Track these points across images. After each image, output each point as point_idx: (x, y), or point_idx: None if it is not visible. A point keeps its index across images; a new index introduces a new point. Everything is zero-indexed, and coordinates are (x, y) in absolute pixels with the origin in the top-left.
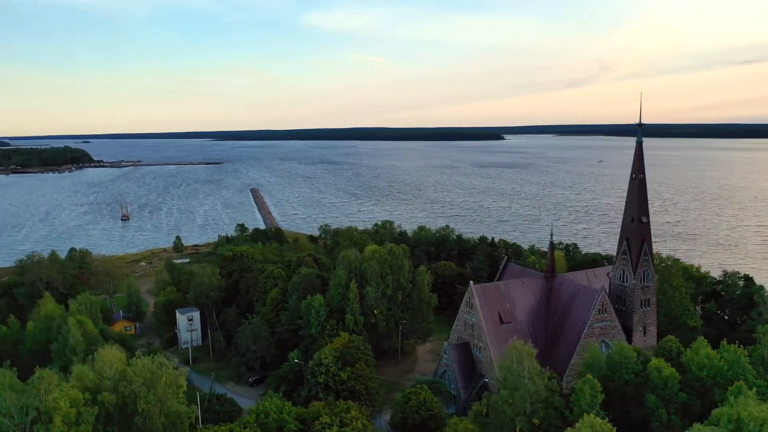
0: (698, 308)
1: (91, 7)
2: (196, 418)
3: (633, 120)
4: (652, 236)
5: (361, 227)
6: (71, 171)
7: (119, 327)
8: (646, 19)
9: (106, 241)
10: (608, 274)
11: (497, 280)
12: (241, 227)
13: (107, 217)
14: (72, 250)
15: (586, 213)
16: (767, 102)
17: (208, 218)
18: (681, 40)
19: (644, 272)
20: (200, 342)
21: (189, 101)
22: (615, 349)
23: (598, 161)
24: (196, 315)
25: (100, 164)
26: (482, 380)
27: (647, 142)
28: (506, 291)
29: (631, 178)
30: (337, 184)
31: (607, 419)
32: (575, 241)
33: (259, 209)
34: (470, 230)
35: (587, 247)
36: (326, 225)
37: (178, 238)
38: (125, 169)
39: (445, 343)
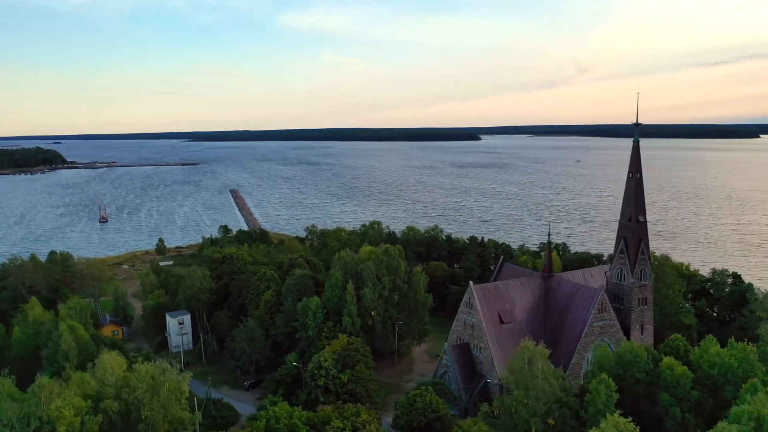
0: (690, 306)
1: (60, 6)
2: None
3: (608, 121)
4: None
5: (345, 228)
6: (44, 172)
7: (107, 331)
8: (620, 21)
9: (86, 244)
10: (606, 273)
11: (493, 280)
12: (225, 229)
13: (85, 219)
14: (52, 253)
15: (566, 212)
16: (735, 103)
17: (188, 220)
18: (654, 42)
19: (642, 271)
20: (191, 346)
21: (162, 101)
22: (624, 348)
23: (575, 161)
24: (186, 318)
25: (73, 165)
26: (483, 381)
27: (621, 142)
28: (505, 291)
29: (629, 178)
30: (317, 184)
31: (630, 419)
32: (557, 241)
33: (240, 210)
34: (454, 230)
35: (572, 247)
36: (312, 226)
37: (160, 240)
38: (100, 170)
39: (446, 344)
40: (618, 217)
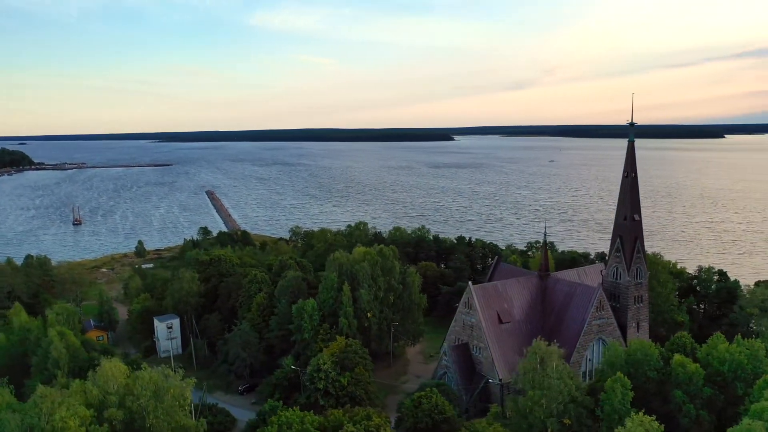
0: (682, 304)
1: (23, 4)
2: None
3: (577, 121)
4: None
5: (329, 229)
6: (11, 174)
7: (91, 337)
8: (584, 24)
9: (60, 247)
10: (601, 271)
11: (488, 280)
12: (205, 230)
13: (57, 221)
14: (29, 257)
15: (545, 212)
16: (701, 104)
17: (165, 221)
18: (620, 45)
19: (637, 269)
20: (180, 350)
21: (131, 101)
22: (635, 346)
23: (548, 161)
24: (175, 322)
25: (41, 167)
26: (484, 381)
27: (590, 142)
28: (504, 291)
29: (624, 177)
30: (294, 185)
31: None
32: (538, 240)
33: (218, 212)
34: (435, 230)
35: (556, 246)
36: (296, 227)
37: (140, 242)
38: (69, 171)
39: (444, 344)
40: (595, 216)
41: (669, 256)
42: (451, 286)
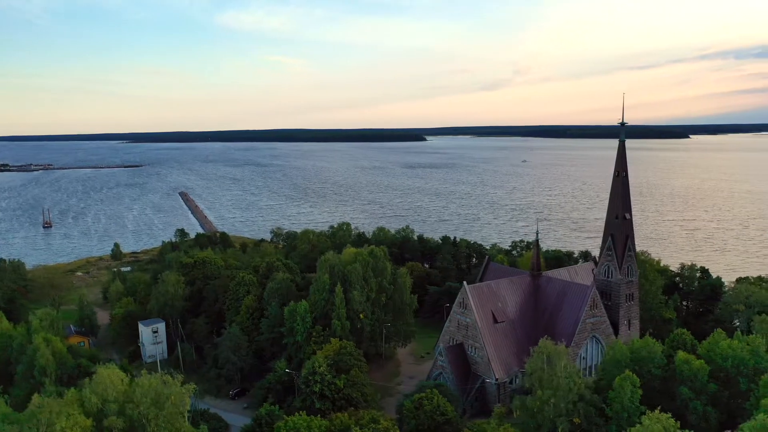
0: (670, 301)
1: None
2: None
3: (547, 122)
4: (592, 232)
5: (311, 230)
6: None
7: (73, 343)
8: (552, 25)
9: (31, 250)
10: (592, 270)
11: (480, 280)
12: (182, 232)
13: (27, 224)
14: (1, 261)
15: (521, 211)
16: (667, 105)
17: (140, 223)
18: (586, 47)
19: (628, 267)
20: (166, 355)
21: (97, 101)
22: (639, 344)
23: (521, 161)
24: (161, 326)
25: (5, 168)
26: (480, 381)
27: (560, 142)
28: (497, 290)
29: (615, 176)
30: (269, 186)
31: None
32: (517, 239)
33: (192, 213)
34: (415, 231)
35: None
36: (278, 228)
37: (116, 245)
38: (36, 173)
39: (440, 345)
40: (570, 215)
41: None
42: (438, 287)
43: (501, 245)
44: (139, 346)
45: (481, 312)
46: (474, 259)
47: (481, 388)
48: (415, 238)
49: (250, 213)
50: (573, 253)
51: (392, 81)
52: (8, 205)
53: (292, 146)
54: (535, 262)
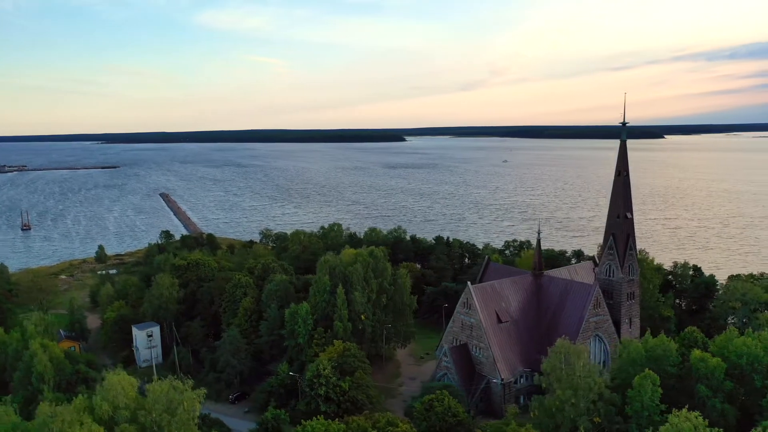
0: (667, 299)
1: None
2: None
3: (525, 122)
4: (576, 231)
5: (302, 230)
6: None
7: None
8: (528, 26)
9: (10, 253)
10: (594, 269)
11: (480, 280)
12: (167, 234)
13: (4, 226)
14: None
15: (506, 211)
16: (642, 105)
17: (121, 225)
18: (563, 48)
19: (630, 266)
20: (161, 359)
21: (72, 102)
22: (653, 342)
23: (502, 161)
24: (156, 330)
25: None
26: (485, 381)
27: (538, 143)
28: (501, 290)
29: (616, 176)
30: (251, 186)
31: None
32: (504, 239)
33: (175, 214)
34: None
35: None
36: (266, 229)
37: (101, 247)
38: (10, 174)
39: (444, 345)
40: (555, 214)
41: None
42: (434, 287)
43: (492, 245)
44: (133, 351)
45: (485, 312)
46: (467, 259)
47: (486, 389)
48: (408, 238)
49: (234, 214)
50: (566, 252)
51: (370, 81)
52: None
53: (271, 147)
54: (537, 261)
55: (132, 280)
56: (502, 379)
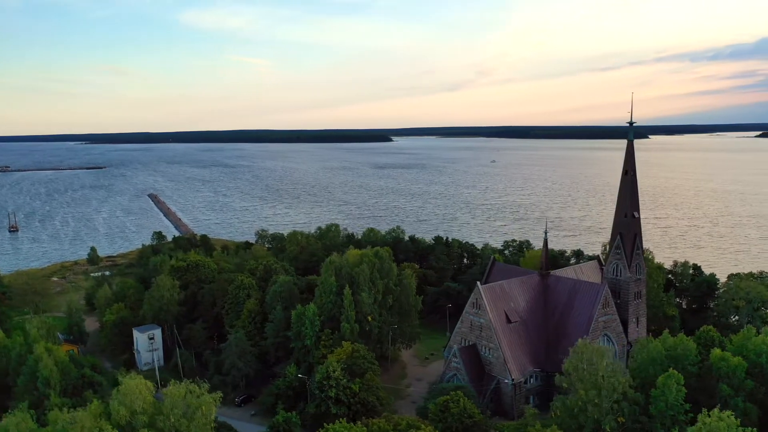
0: (671, 297)
1: None
2: None
3: (511, 122)
4: (569, 231)
5: (299, 231)
6: None
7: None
8: (516, 28)
9: None
10: (601, 268)
11: (485, 280)
12: (159, 235)
13: None
14: None
15: (497, 211)
16: (624, 106)
17: (111, 226)
18: (548, 48)
19: (637, 265)
20: (163, 362)
21: (54, 101)
22: (673, 341)
23: (490, 161)
24: (157, 333)
25: None
26: (495, 382)
27: (524, 143)
28: (509, 290)
29: (624, 175)
30: (240, 187)
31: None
32: (497, 238)
33: (165, 215)
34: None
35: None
36: (262, 230)
37: (93, 249)
38: None
39: (453, 346)
40: (546, 213)
41: None
42: (436, 287)
43: (490, 245)
44: (134, 354)
45: (495, 312)
46: (466, 260)
47: (496, 389)
48: (407, 238)
49: (225, 215)
50: (565, 252)
51: (356, 81)
52: None
53: (257, 147)
54: (544, 261)
55: (130, 282)
56: (513, 380)
